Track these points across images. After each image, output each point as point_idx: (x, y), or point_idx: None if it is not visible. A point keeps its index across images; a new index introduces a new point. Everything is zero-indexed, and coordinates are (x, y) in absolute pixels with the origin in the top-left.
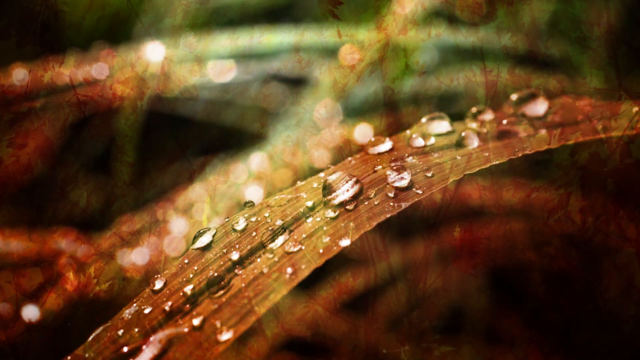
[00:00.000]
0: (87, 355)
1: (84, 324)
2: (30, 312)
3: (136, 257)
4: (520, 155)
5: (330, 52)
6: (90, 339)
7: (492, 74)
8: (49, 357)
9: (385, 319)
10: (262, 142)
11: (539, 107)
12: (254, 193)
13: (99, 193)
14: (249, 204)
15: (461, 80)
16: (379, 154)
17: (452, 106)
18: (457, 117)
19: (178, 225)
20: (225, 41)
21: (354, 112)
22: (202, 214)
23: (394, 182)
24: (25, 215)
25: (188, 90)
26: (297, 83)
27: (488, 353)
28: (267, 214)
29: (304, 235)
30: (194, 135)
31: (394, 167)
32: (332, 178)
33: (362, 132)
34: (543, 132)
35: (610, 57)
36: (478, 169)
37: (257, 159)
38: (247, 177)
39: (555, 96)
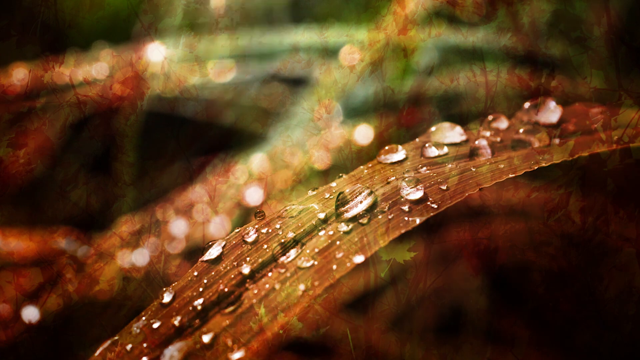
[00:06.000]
0: None
1: (84, 323)
2: (30, 313)
3: (136, 257)
4: (535, 168)
5: (331, 52)
6: (96, 354)
7: (492, 74)
8: (49, 357)
9: (385, 319)
10: (262, 142)
11: (553, 115)
12: (254, 193)
13: (99, 193)
14: (260, 214)
15: (461, 80)
16: (392, 163)
17: (452, 107)
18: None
19: (178, 225)
20: (225, 41)
21: (354, 112)
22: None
23: (408, 194)
24: (25, 215)
25: (188, 90)
26: (297, 83)
27: (488, 353)
28: (278, 226)
29: (316, 250)
30: (194, 135)
31: (408, 179)
32: (345, 189)
33: (363, 132)
34: (557, 141)
35: (610, 57)
36: (493, 182)
37: (257, 159)
38: (247, 177)
39: (567, 103)
